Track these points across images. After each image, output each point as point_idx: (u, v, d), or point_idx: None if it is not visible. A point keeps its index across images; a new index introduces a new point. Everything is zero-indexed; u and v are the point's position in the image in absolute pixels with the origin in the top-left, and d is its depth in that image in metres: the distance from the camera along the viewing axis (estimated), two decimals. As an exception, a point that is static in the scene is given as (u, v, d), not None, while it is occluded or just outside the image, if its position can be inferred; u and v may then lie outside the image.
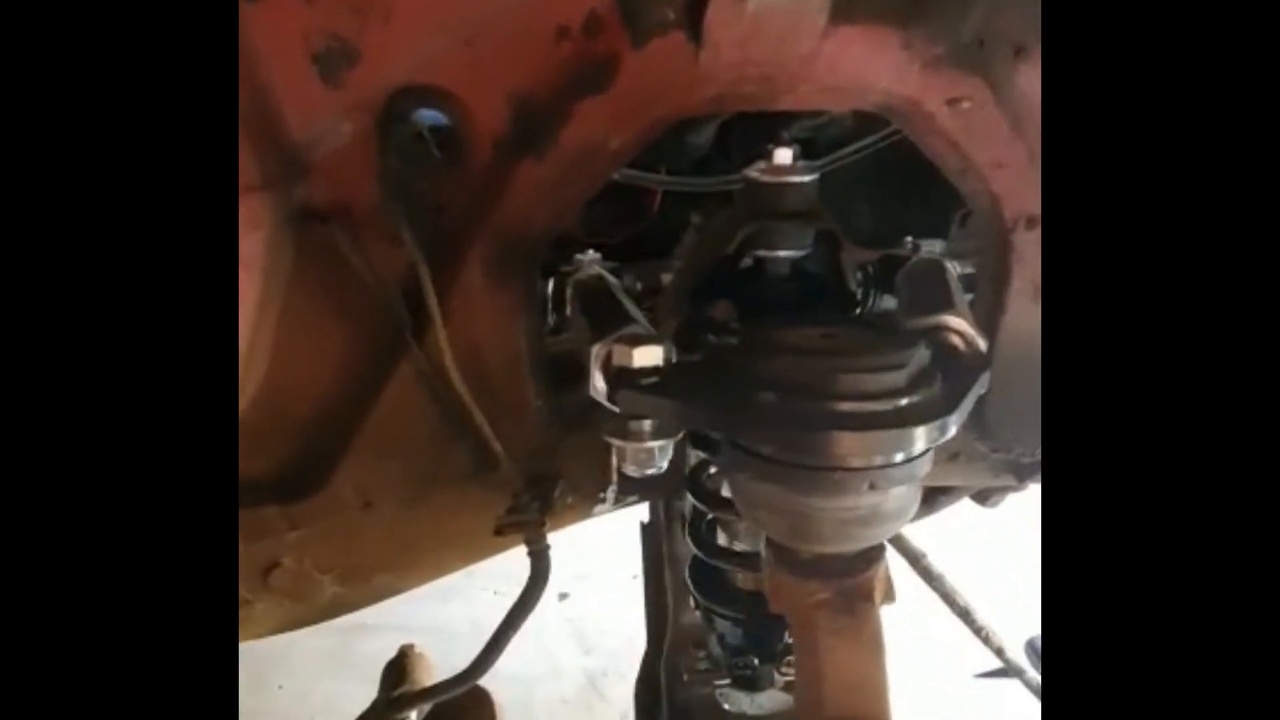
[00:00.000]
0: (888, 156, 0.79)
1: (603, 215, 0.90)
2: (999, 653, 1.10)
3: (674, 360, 0.52)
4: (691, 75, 0.58)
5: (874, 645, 0.48)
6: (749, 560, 0.76)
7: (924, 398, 0.44)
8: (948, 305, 0.57)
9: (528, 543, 0.84)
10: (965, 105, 0.62)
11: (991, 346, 0.76)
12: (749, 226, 0.61)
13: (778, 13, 0.52)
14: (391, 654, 1.19)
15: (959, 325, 0.51)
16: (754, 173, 0.62)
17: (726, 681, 0.86)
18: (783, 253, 0.63)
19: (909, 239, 0.77)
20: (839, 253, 0.66)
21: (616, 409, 0.55)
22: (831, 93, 0.62)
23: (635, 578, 1.27)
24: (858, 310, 0.71)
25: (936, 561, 1.11)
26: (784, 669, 0.77)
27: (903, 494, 0.47)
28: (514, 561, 0.92)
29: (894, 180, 0.89)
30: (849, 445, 0.43)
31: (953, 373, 0.48)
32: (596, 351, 0.54)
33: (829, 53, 0.57)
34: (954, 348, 0.51)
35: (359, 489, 0.80)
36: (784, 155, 0.61)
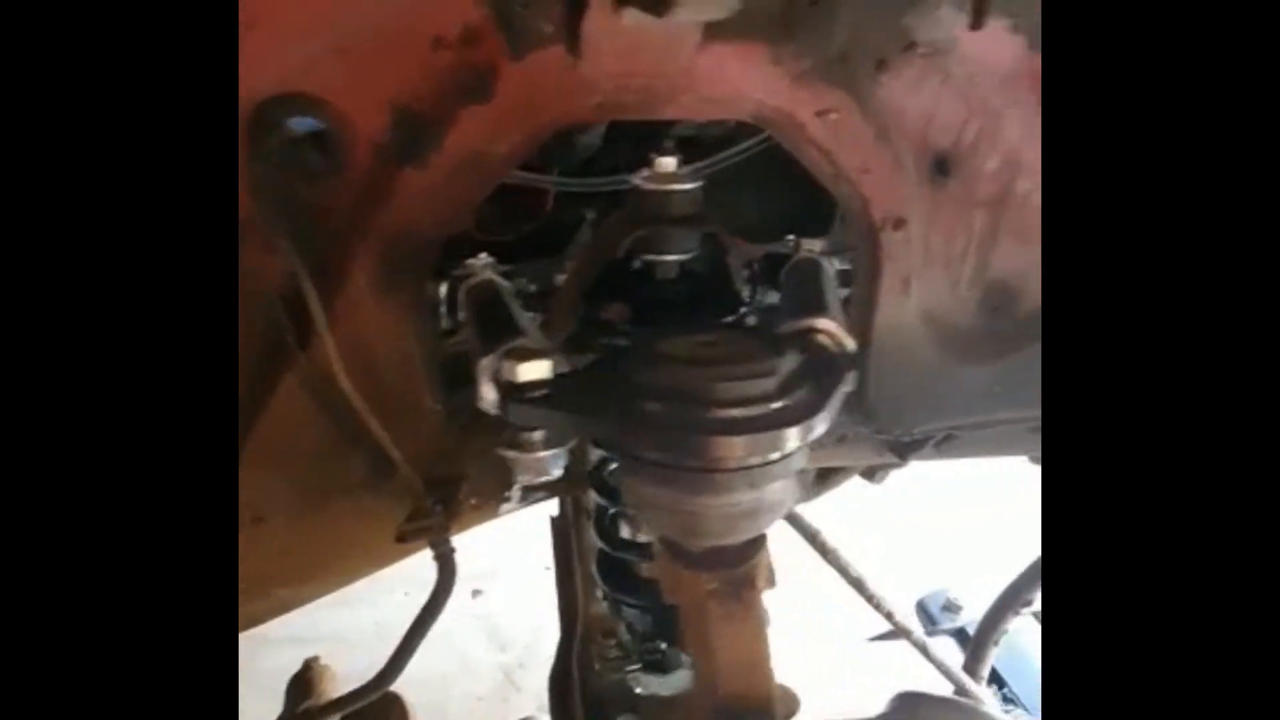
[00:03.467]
0: (775, 152, 0.83)
1: (495, 214, 0.90)
2: (889, 617, 1.18)
3: (563, 372, 0.54)
4: (573, 85, 0.59)
5: (759, 627, 0.53)
6: (652, 551, 0.79)
7: (794, 400, 0.48)
8: (820, 308, 0.61)
9: (432, 547, 0.84)
10: (833, 116, 0.66)
11: (867, 337, 0.81)
12: (636, 232, 0.63)
13: (653, 29, 0.54)
14: (295, 667, 1.16)
15: (828, 327, 0.55)
16: (639, 180, 0.64)
17: (638, 666, 0.89)
18: (670, 256, 0.66)
19: (790, 237, 0.81)
20: (725, 254, 0.69)
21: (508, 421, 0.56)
22: (710, 104, 0.64)
23: (547, 569, 1.29)
24: (744, 308, 0.74)
25: (829, 538, 1.19)
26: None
27: (781, 487, 0.51)
28: (420, 563, 0.91)
29: (779, 176, 0.94)
30: (728, 449, 0.47)
31: (822, 373, 0.52)
32: (485, 365, 0.55)
33: (705, 66, 0.60)
34: (824, 348, 0.55)
35: (248, 504, 0.78)
36: (668, 163, 0.63)
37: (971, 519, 2.47)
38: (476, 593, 2.14)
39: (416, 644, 0.90)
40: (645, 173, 0.64)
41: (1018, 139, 0.73)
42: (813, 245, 0.79)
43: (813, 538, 1.17)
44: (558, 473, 0.61)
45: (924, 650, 1.16)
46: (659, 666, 0.83)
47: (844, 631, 1.85)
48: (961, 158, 0.74)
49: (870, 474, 1.27)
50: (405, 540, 0.83)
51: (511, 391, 0.53)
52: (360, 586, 1.08)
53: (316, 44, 0.57)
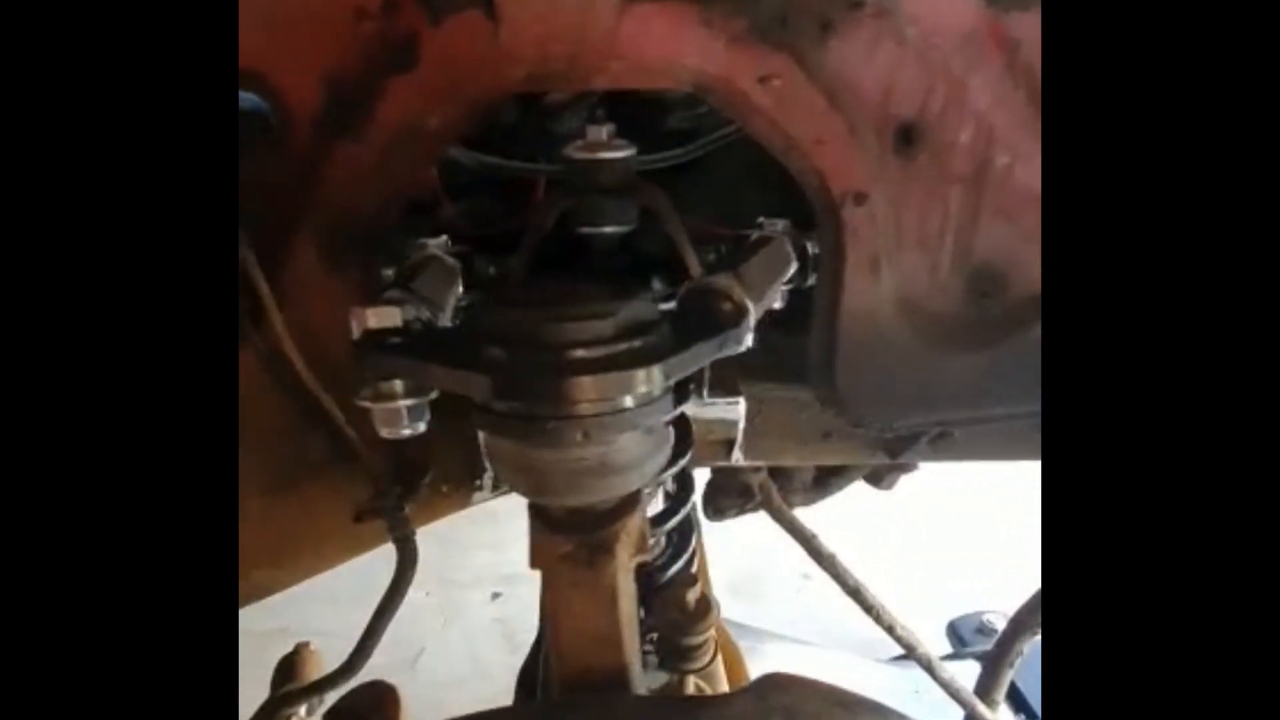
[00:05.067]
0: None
1: (486, 208, 0.90)
2: (890, 630, 1.11)
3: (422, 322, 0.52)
4: (495, 53, 0.59)
5: (611, 598, 0.49)
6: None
7: (633, 347, 0.45)
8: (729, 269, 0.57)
9: (390, 530, 0.83)
10: (776, 83, 0.63)
11: (834, 323, 0.77)
12: (564, 202, 0.62)
13: (567, -12, 0.53)
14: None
15: (723, 284, 0.52)
16: (570, 150, 0.63)
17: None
18: (607, 228, 0.64)
19: (761, 219, 0.78)
20: (672, 227, 0.67)
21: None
22: (643, 72, 0.62)
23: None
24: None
25: (826, 542, 1.13)
26: (645, 645, 0.78)
27: (632, 445, 0.48)
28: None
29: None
30: (556, 393, 0.43)
31: (703, 329, 0.48)
32: (353, 313, 0.54)
33: (630, 30, 0.58)
34: (716, 307, 0.52)
35: None
36: (598, 132, 0.62)
37: (1024, 537, 2.34)
38: (496, 595, 2.14)
39: (382, 629, 0.89)
40: (577, 142, 0.63)
41: (987, 106, 0.68)
42: (775, 224, 0.76)
43: (807, 541, 1.11)
44: (419, 427, 0.59)
45: (929, 668, 1.09)
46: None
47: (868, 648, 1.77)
48: (929, 129, 0.70)
49: (876, 479, 1.20)
50: (362, 519, 0.83)
51: (368, 340, 0.52)
52: (356, 584, 1.08)
53: (247, 16, 0.58)
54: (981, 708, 1.07)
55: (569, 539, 0.50)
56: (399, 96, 0.61)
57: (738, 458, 0.98)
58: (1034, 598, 1.14)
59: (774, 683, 0.47)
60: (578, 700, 0.46)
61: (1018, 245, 0.77)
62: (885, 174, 0.71)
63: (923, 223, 0.75)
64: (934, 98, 0.68)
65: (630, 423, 0.46)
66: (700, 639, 0.71)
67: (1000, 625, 1.79)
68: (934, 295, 0.78)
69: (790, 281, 0.80)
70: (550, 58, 0.60)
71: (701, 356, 0.47)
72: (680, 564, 0.79)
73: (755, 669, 1.44)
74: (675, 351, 0.45)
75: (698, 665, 0.73)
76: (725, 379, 0.91)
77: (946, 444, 0.96)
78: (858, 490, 1.24)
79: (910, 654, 1.11)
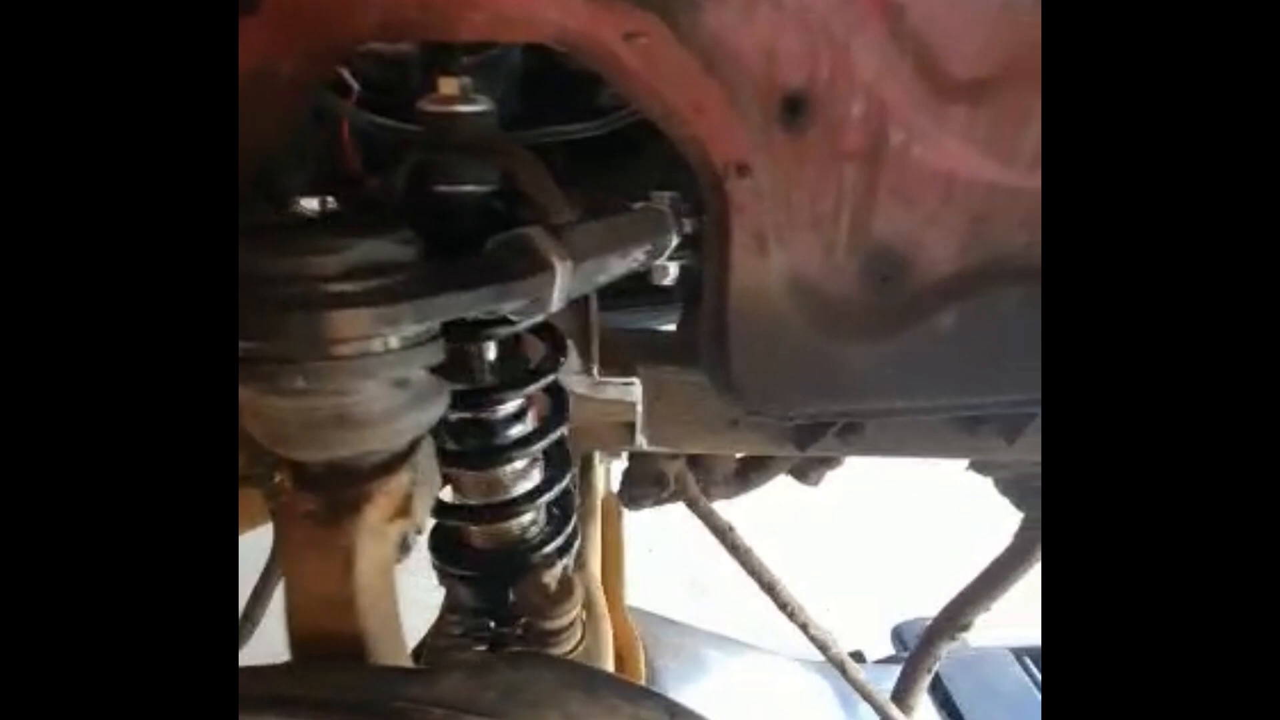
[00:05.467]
0: None
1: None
2: (804, 628, 1.08)
3: None
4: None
5: (347, 560, 0.47)
6: (474, 514, 0.74)
7: (365, 287, 0.42)
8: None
9: (266, 499, 0.81)
10: (643, 41, 0.60)
11: (724, 303, 0.74)
12: (414, 158, 0.59)
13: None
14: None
15: (528, 237, 0.48)
16: (423, 104, 0.60)
17: (484, 647, 0.83)
18: (465, 187, 0.61)
19: (651, 192, 0.75)
20: (534, 189, 0.64)
21: None
22: (505, 24, 0.59)
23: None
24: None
25: (742, 536, 1.10)
26: (518, 628, 0.75)
27: (376, 397, 0.45)
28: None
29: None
30: (262, 330, 0.40)
31: (479, 279, 0.45)
32: None
33: (483, -22, 0.55)
34: (515, 260, 0.48)
35: None
36: (450, 84, 0.59)
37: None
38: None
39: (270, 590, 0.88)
40: (431, 95, 0.60)
41: (873, 76, 0.65)
42: (663, 196, 0.73)
43: (723, 533, 1.09)
44: None
45: (842, 669, 1.06)
46: (492, 647, 0.78)
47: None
48: (818, 101, 0.66)
49: (802, 474, 1.18)
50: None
51: None
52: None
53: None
54: (894, 710, 1.04)
55: (314, 497, 0.47)
56: (247, 39, 0.58)
57: (641, 442, 0.95)
58: (951, 603, 1.11)
59: (511, 659, 0.45)
60: (285, 665, 0.43)
61: (919, 229, 0.74)
62: (771, 146, 0.67)
63: (815, 201, 0.72)
64: (820, 66, 0.65)
65: (361, 371, 0.43)
66: (561, 623, 0.68)
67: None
68: (830, 278, 0.75)
69: (683, 258, 0.77)
70: (403, 5, 0.57)
71: (458, 306, 0.44)
72: (556, 545, 0.76)
73: (685, 668, 1.41)
74: (419, 297, 0.42)
75: (562, 650, 0.70)
76: (622, 359, 0.89)
77: (856, 437, 0.94)
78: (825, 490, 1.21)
79: (824, 654, 1.08)
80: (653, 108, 0.65)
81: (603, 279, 0.57)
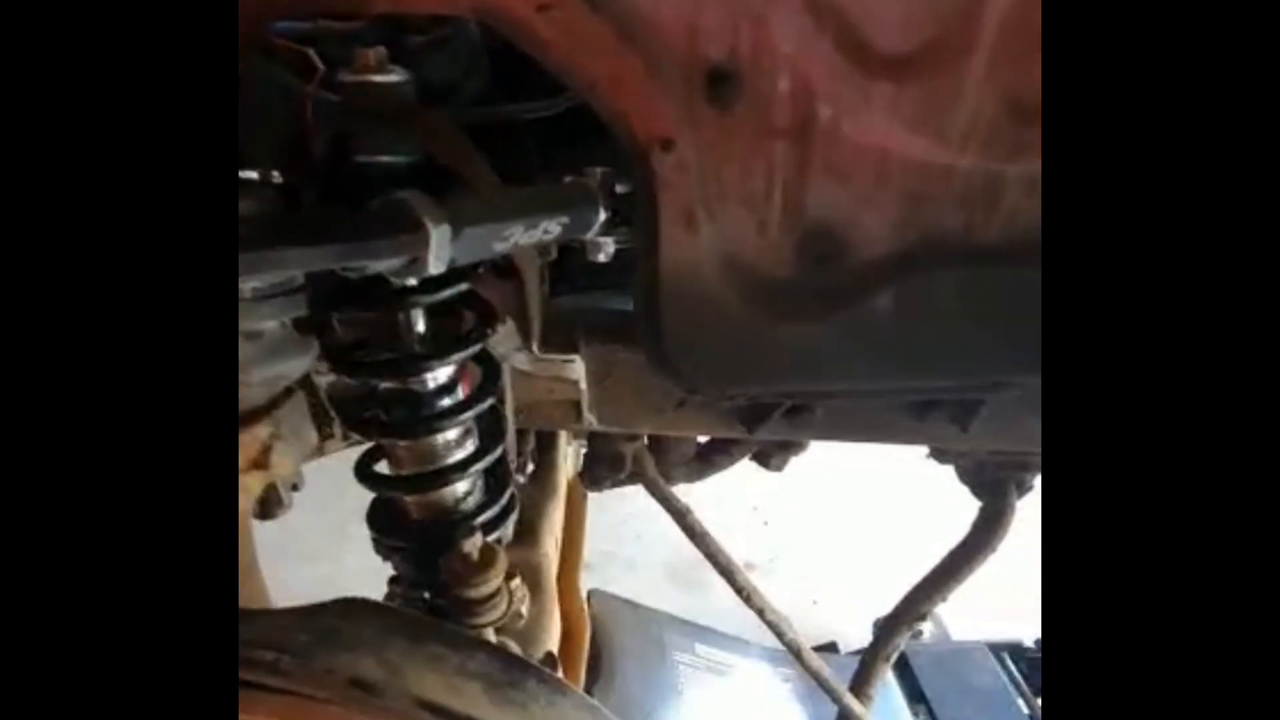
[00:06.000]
0: None
1: None
2: (760, 613, 1.08)
3: None
4: (256, -30, 0.57)
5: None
6: (405, 484, 0.76)
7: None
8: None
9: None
10: (556, 13, 0.60)
11: (654, 278, 0.74)
12: (330, 128, 0.60)
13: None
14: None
15: (402, 200, 0.49)
16: (341, 74, 0.61)
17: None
18: (383, 157, 0.62)
19: (584, 168, 0.75)
20: (455, 160, 0.65)
21: None
22: (419, -4, 0.60)
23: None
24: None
25: (699, 519, 1.10)
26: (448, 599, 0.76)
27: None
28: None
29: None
30: None
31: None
32: None
33: (393, -52, 0.56)
34: (386, 222, 0.49)
35: None
36: (366, 55, 0.60)
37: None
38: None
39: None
40: (350, 65, 0.61)
41: (794, 50, 0.64)
42: (594, 172, 0.73)
43: (681, 516, 1.09)
44: None
45: (798, 655, 1.05)
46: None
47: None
48: (743, 76, 0.66)
49: (765, 459, 1.17)
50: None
51: None
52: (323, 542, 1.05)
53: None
54: (850, 699, 1.04)
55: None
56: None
57: (590, 421, 0.95)
58: (909, 594, 1.10)
59: (342, 607, 0.45)
60: None
61: (854, 207, 0.73)
62: (697, 121, 0.67)
63: (746, 178, 0.71)
64: (741, 39, 0.64)
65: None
66: (481, 592, 0.69)
67: (928, 624, 1.75)
68: (764, 257, 0.75)
69: (617, 235, 0.77)
70: (313, -22, 0.58)
71: (298, 261, 0.45)
72: (488, 516, 0.77)
73: (644, 649, 1.41)
74: (253, 249, 0.43)
75: (485, 620, 0.71)
76: (564, 336, 0.89)
77: (804, 419, 0.93)
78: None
79: (780, 639, 1.07)
80: (574, 81, 0.65)
81: (502, 247, 0.57)
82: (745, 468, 1.39)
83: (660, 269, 0.73)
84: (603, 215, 0.71)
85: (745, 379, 0.81)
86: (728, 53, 0.65)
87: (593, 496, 1.82)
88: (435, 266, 0.50)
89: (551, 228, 0.61)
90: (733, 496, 2.39)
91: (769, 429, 0.93)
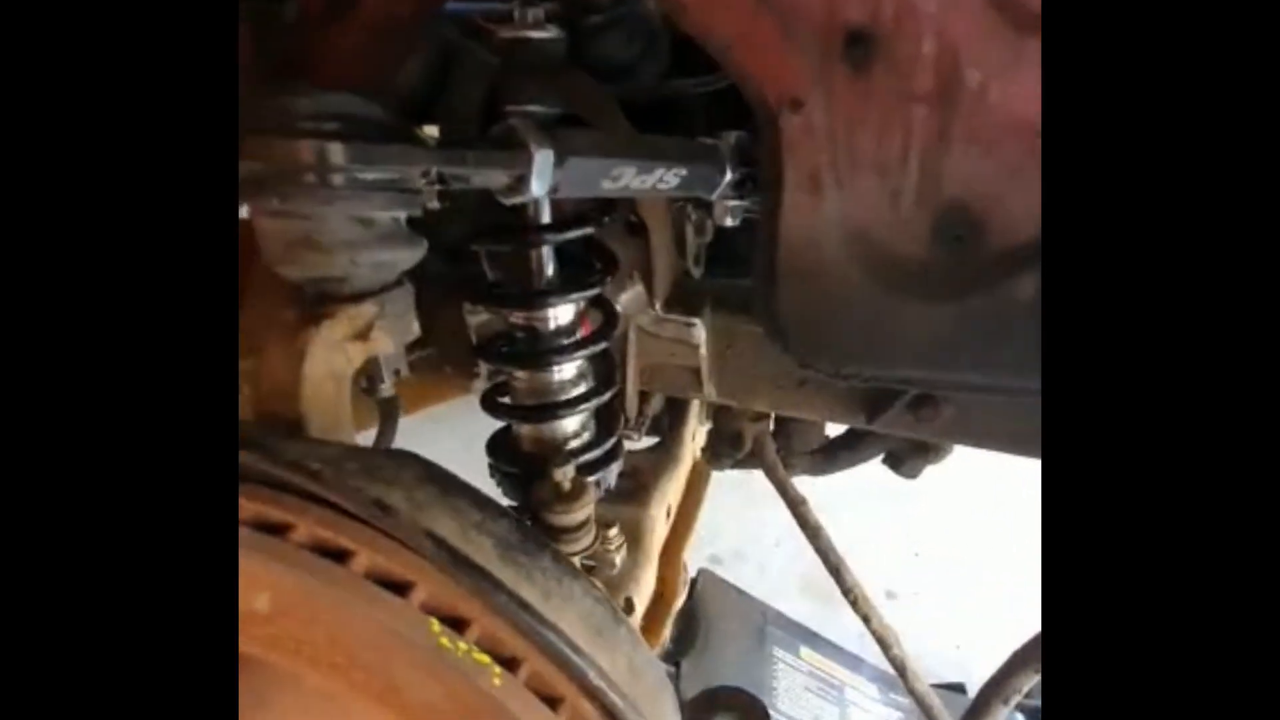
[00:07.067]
0: None
1: None
2: (866, 620, 1.02)
3: None
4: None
5: (299, 355, 0.54)
6: (518, 413, 0.82)
7: (320, 126, 0.48)
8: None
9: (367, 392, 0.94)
10: (692, -29, 0.63)
11: (775, 240, 0.74)
12: (485, 77, 0.67)
13: None
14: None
15: (521, 126, 0.53)
16: (501, 31, 0.68)
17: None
18: (531, 107, 0.68)
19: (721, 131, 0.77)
20: (597, 117, 0.69)
21: None
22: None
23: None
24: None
25: (813, 511, 1.06)
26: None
27: (336, 228, 0.52)
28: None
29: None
30: (252, 153, 0.48)
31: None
32: None
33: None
34: (501, 140, 0.53)
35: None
36: (525, 15, 0.66)
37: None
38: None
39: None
40: (511, 23, 0.68)
41: (939, 8, 0.62)
42: (729, 135, 0.75)
43: (795, 506, 1.06)
44: None
45: (901, 672, 0.98)
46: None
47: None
48: (884, 38, 0.64)
49: (897, 462, 1.11)
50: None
51: None
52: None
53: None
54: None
55: (293, 309, 0.56)
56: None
57: (710, 391, 0.97)
58: (1036, 638, 0.98)
59: (393, 453, 0.50)
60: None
61: (998, 182, 0.68)
62: (830, 82, 0.67)
63: (880, 144, 0.69)
64: (882, 1, 0.63)
65: (322, 198, 0.50)
66: (565, 521, 0.73)
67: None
68: (894, 231, 0.72)
69: (744, 199, 0.79)
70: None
71: (404, 158, 0.50)
72: (590, 457, 0.82)
73: (741, 632, 1.35)
74: (366, 142, 0.49)
75: (568, 549, 0.76)
76: (690, 300, 0.91)
77: (930, 413, 0.88)
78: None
79: (885, 652, 1.01)
80: (710, 41, 0.67)
81: (612, 187, 0.61)
82: (901, 492, 1.31)
83: (781, 234, 0.73)
84: (729, 176, 0.72)
85: (863, 358, 0.78)
86: (868, 14, 0.64)
87: (737, 498, 1.81)
88: (538, 188, 0.55)
89: (669, 178, 0.64)
90: (886, 521, 2.25)
91: (891, 420, 0.89)
